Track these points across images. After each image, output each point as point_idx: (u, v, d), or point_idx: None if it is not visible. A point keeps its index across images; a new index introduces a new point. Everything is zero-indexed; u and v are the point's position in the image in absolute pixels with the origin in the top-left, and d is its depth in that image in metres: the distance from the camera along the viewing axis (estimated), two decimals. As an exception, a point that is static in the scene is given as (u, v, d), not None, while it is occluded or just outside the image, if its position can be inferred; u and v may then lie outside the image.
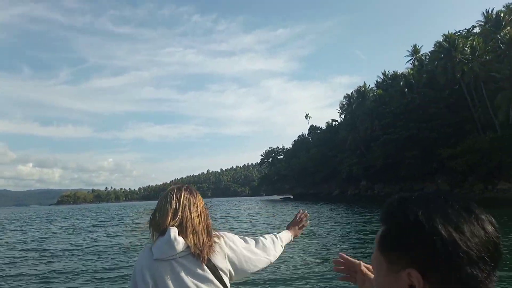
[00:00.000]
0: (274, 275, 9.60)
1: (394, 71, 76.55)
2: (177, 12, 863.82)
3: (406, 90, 60.79)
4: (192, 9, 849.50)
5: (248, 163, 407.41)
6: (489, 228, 0.78)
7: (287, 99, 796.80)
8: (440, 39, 60.49)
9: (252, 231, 16.85)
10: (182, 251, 1.75)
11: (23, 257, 14.30)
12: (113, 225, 29.19)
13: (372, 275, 1.33)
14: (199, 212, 1.86)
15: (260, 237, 2.11)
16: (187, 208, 1.84)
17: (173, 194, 1.87)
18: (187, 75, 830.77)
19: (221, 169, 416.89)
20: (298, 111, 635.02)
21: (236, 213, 39.05)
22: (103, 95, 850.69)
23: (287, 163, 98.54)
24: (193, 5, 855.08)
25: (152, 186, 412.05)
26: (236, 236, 2.00)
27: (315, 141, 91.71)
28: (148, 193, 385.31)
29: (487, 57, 51.04)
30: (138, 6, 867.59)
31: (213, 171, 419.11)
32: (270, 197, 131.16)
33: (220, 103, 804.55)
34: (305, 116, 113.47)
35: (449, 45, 54.11)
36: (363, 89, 76.36)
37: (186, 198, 1.87)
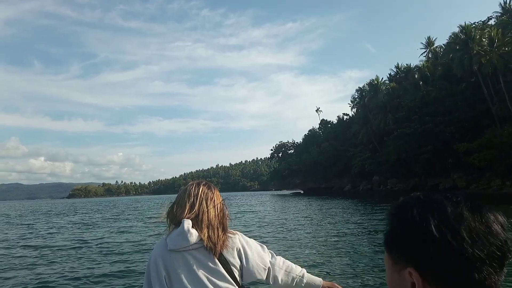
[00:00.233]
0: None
1: (407, 64, 75.08)
2: (186, 6, 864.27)
3: (421, 83, 59.28)
4: (201, 3, 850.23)
5: (257, 158, 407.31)
6: (496, 228, 0.78)
7: (296, 93, 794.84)
8: (454, 31, 59.20)
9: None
10: (195, 243, 1.79)
11: (28, 254, 13.83)
12: (125, 219, 28.79)
13: None
14: (216, 207, 1.90)
15: (281, 257, 2.07)
16: (204, 202, 1.88)
17: (192, 188, 1.93)
18: (196, 69, 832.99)
19: (230, 164, 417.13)
20: (307, 105, 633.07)
21: (250, 213, 38.38)
22: (114, 90, 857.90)
23: (298, 157, 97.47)
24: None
25: (161, 180, 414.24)
26: (253, 240, 2.01)
27: (326, 135, 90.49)
28: (157, 187, 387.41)
29: (506, 49, 49.43)
30: (147, 1, 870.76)
31: (222, 165, 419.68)
32: (280, 192, 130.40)
33: (229, 97, 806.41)
34: (316, 110, 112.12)
35: (465, 36, 52.53)
36: (376, 82, 74.85)
37: (203, 193, 1.91)
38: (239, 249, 1.91)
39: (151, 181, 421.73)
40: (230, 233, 1.94)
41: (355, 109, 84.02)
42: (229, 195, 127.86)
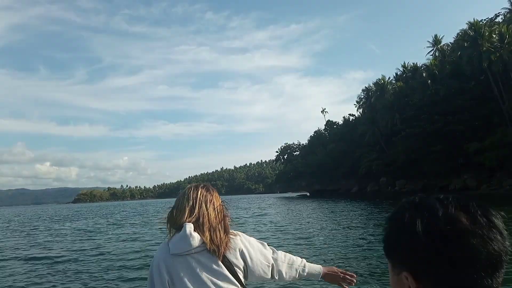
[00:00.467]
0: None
1: (413, 63, 73.95)
2: (190, 9, 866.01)
3: (429, 81, 58.11)
4: (205, 7, 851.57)
5: (261, 160, 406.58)
6: (489, 231, 0.77)
7: (300, 95, 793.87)
8: (461, 29, 58.06)
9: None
10: (198, 247, 1.78)
11: (19, 267, 12.99)
12: (129, 224, 27.94)
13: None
14: (216, 210, 1.90)
15: (282, 251, 2.10)
16: (203, 205, 1.88)
17: (190, 191, 1.92)
18: (200, 73, 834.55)
19: (234, 167, 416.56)
20: (312, 107, 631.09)
21: (261, 217, 37.42)
22: (119, 94, 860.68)
23: (304, 159, 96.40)
24: (206, 2, 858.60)
25: (166, 184, 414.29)
26: (253, 238, 2.01)
27: (332, 137, 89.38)
28: (162, 191, 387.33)
29: (516, 45, 48.29)
30: (151, 5, 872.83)
31: (227, 168, 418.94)
32: (285, 194, 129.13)
33: (234, 100, 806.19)
34: (322, 111, 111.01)
35: (474, 33, 51.39)
36: (382, 82, 73.76)
37: (202, 195, 1.91)
38: (242, 250, 1.90)
39: (156, 185, 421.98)
40: (231, 234, 1.92)
41: (361, 110, 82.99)
42: (234, 198, 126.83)
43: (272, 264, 2.00)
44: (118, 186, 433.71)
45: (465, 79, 53.36)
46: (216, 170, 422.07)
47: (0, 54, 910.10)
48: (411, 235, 0.79)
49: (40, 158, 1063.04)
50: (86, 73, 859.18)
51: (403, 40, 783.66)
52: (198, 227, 1.83)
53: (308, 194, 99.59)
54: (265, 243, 2.05)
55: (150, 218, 32.48)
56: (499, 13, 62.28)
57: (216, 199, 1.96)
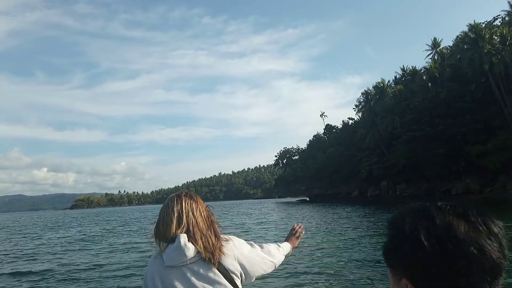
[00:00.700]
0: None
1: (412, 67, 73.52)
2: (187, 14, 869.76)
3: (430, 84, 57.53)
4: (203, 11, 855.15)
5: (259, 165, 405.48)
6: (488, 238, 0.77)
7: (298, 99, 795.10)
8: (460, 32, 57.66)
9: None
10: (193, 257, 1.76)
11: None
12: (123, 234, 26.97)
13: None
14: (203, 216, 1.88)
15: (264, 244, 2.13)
16: (190, 214, 1.84)
17: (174, 202, 1.87)
18: (198, 77, 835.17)
19: (232, 171, 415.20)
20: (309, 111, 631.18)
21: (266, 225, 36.47)
22: (116, 99, 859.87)
23: (303, 163, 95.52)
24: (204, 7, 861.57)
25: (164, 189, 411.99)
26: (243, 240, 2.01)
27: (332, 140, 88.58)
28: (160, 196, 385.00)
29: (518, 47, 47.80)
30: (149, 10, 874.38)
31: (225, 173, 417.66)
32: (284, 200, 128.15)
33: (231, 104, 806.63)
34: (321, 115, 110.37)
35: (475, 35, 50.92)
36: (382, 85, 73.19)
37: (188, 204, 1.87)
38: (237, 254, 1.88)
39: (154, 190, 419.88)
40: (223, 239, 1.90)
41: (360, 114, 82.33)
42: (233, 203, 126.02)
43: (267, 259, 2.02)
44: (115, 192, 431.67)
45: (466, 81, 52.82)
46: (214, 175, 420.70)
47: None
48: (410, 243, 0.80)
49: (37, 164, 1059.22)
50: (83, 78, 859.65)
51: (400, 44, 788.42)
52: (190, 237, 1.79)
53: (307, 199, 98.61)
54: (252, 242, 2.03)
55: (147, 225, 31.39)
56: (498, 15, 62.00)
57: (202, 206, 1.92)
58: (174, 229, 1.80)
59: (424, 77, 61.58)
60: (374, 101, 73.82)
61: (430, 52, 72.81)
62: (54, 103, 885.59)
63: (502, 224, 0.81)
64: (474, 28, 51.72)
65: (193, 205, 1.89)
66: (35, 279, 11.24)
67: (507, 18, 56.14)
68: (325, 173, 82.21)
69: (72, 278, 11.07)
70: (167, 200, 1.93)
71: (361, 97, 79.80)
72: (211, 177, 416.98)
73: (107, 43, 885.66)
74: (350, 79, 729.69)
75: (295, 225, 2.45)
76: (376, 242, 13.89)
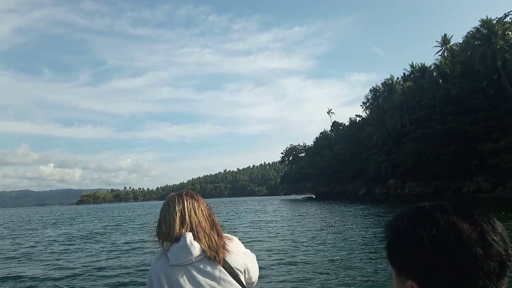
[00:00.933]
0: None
1: (421, 64, 72.32)
2: (194, 12, 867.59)
3: (441, 81, 56.40)
4: (209, 9, 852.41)
5: (265, 162, 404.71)
6: (493, 238, 0.77)
7: (303, 97, 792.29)
8: (469, 29, 56.44)
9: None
10: (198, 255, 1.78)
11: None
12: (126, 230, 26.41)
13: None
14: (205, 215, 1.89)
15: None
16: (193, 213, 1.85)
17: (175, 201, 1.88)
18: (204, 75, 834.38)
19: (238, 169, 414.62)
20: (315, 109, 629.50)
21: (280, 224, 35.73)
22: (123, 96, 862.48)
23: (310, 161, 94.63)
24: (210, 5, 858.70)
25: (170, 185, 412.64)
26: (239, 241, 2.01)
27: (339, 138, 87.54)
28: (166, 193, 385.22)
29: (531, 43, 46.67)
30: (155, 8, 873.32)
31: (230, 170, 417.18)
32: (289, 197, 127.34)
33: (237, 102, 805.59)
34: (328, 112, 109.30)
35: (488, 31, 49.75)
36: (391, 82, 72.06)
37: (190, 203, 1.87)
38: (240, 252, 1.90)
39: (159, 187, 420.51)
40: (227, 238, 1.91)
41: (368, 111, 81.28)
42: (238, 200, 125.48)
43: (256, 264, 2.02)
44: (121, 188, 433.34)
45: (477, 78, 51.68)
46: (220, 172, 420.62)
47: (4, 56, 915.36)
48: (415, 245, 0.80)
49: (44, 160, 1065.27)
50: (90, 75, 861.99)
51: (406, 42, 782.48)
52: (194, 236, 1.79)
53: (313, 196, 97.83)
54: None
55: (151, 223, 30.77)
56: (509, 12, 60.62)
57: (203, 205, 1.92)
58: (178, 229, 1.80)
59: (434, 74, 60.38)
60: (382, 98, 72.73)
61: (440, 49, 71.69)
62: (61, 100, 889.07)
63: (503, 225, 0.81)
64: (486, 23, 50.55)
65: (195, 204, 1.88)
66: (27, 281, 10.50)
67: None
68: (331, 171, 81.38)
69: (69, 276, 10.46)
70: (167, 199, 1.92)
71: (369, 94, 78.88)
72: (216, 174, 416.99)
73: (114, 40, 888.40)
74: (356, 77, 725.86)
75: None
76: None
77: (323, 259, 11.04)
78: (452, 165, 49.70)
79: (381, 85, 75.26)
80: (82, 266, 11.74)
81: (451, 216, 0.80)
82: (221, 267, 1.79)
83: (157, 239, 1.87)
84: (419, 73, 69.91)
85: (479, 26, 52.06)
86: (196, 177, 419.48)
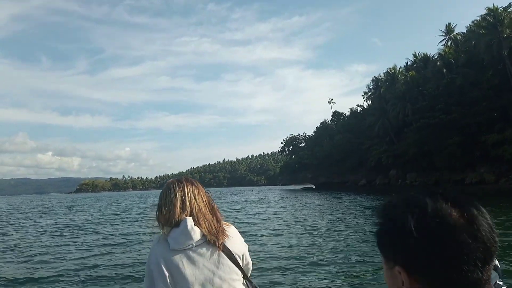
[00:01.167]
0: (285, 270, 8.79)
1: (424, 53, 71.22)
2: (192, 1, 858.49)
3: (445, 70, 55.42)
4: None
5: (263, 152, 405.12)
6: (480, 224, 0.78)
7: (302, 88, 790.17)
8: (474, 18, 55.25)
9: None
10: (198, 240, 1.80)
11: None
12: (125, 220, 25.70)
13: None
14: (204, 201, 1.91)
15: None
16: (193, 199, 1.87)
17: (176, 187, 1.89)
18: (202, 65, 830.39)
19: (236, 158, 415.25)
20: (314, 99, 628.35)
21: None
22: (121, 85, 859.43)
23: (310, 151, 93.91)
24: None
25: (168, 174, 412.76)
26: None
27: (340, 128, 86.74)
28: (164, 182, 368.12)
29: (539, 32, 45.66)
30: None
31: (228, 160, 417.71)
32: (288, 187, 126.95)
33: (235, 92, 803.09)
34: (329, 102, 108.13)
35: (494, 19, 48.63)
36: (393, 71, 71.01)
37: (190, 189, 1.89)
38: (238, 238, 1.96)
39: (158, 176, 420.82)
40: (225, 224, 1.95)
41: (369, 101, 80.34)
42: (237, 190, 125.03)
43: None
44: (120, 177, 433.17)
45: (481, 68, 50.74)
46: (218, 162, 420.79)
47: (2, 44, 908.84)
48: (402, 232, 0.80)
49: (42, 148, 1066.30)
50: (88, 64, 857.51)
51: (406, 33, 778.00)
52: (194, 221, 1.82)
53: (313, 186, 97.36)
54: None
55: (149, 212, 29.81)
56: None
57: (202, 192, 1.94)
58: (178, 214, 1.81)
59: (438, 63, 59.37)
60: (384, 88, 71.75)
61: (443, 38, 70.52)
62: (59, 89, 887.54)
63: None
64: (492, 12, 49.39)
65: (195, 191, 1.90)
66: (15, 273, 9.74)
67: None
68: (332, 161, 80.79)
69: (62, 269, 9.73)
70: (166, 185, 1.92)
71: (371, 84, 77.82)
72: (215, 163, 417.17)
73: (112, 29, 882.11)
74: (355, 67, 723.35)
75: None
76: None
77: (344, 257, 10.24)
78: (454, 156, 49.05)
79: (383, 75, 74.20)
80: (71, 263, 10.72)
81: (439, 203, 0.80)
82: (220, 251, 1.82)
83: (156, 224, 1.87)
84: (421, 63, 68.89)
85: (485, 15, 50.91)
86: (194, 167, 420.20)
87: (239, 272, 1.88)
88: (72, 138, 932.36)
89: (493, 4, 50.06)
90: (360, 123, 75.68)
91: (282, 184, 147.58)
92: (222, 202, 40.52)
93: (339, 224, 17.06)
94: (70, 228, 19.92)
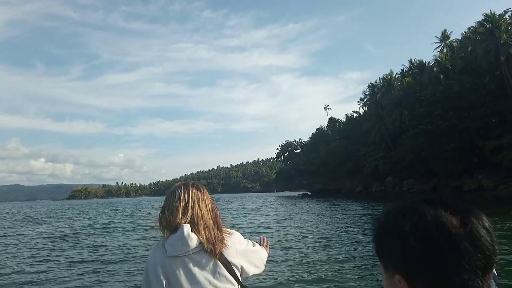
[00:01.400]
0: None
1: (419, 60, 71.13)
2: (188, 7, 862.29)
3: (442, 76, 55.14)
4: (203, 4, 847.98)
5: (258, 159, 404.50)
6: (479, 233, 0.77)
7: (297, 94, 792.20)
8: (469, 25, 55.13)
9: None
10: (195, 247, 1.77)
11: None
12: (115, 230, 24.59)
13: None
14: (208, 207, 1.88)
15: (255, 242, 2.11)
16: (196, 204, 1.85)
17: (181, 191, 1.88)
18: (197, 71, 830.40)
19: (231, 165, 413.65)
20: (309, 106, 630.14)
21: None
22: (115, 91, 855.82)
23: (306, 157, 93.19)
24: (204, 0, 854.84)
25: (162, 181, 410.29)
26: (241, 235, 2.00)
27: (335, 134, 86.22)
28: (158, 189, 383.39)
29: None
30: (149, 2, 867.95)
31: (223, 166, 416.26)
32: (283, 193, 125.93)
33: (231, 99, 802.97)
34: (325, 108, 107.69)
35: (491, 25, 48.48)
36: (389, 77, 70.76)
37: (194, 194, 1.87)
38: (237, 248, 1.89)
39: (152, 183, 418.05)
40: (226, 232, 1.89)
41: (365, 107, 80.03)
42: (231, 197, 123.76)
43: (260, 257, 2.01)
44: (113, 183, 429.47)
45: (478, 74, 50.53)
46: (213, 168, 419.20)
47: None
48: (402, 240, 0.79)
49: (35, 154, 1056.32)
50: (82, 70, 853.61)
51: (400, 40, 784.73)
52: (193, 227, 1.78)
53: (309, 193, 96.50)
54: (249, 240, 2.02)
55: (142, 221, 28.43)
56: (508, 9, 59.31)
57: (207, 198, 1.91)
58: (180, 218, 1.79)
59: (435, 69, 59.13)
60: (380, 94, 71.43)
61: (439, 45, 70.46)
62: (53, 94, 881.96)
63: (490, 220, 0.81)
64: (490, 18, 49.26)
65: (199, 196, 1.87)
66: None
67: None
68: (328, 167, 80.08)
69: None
70: (173, 188, 1.91)
71: (367, 90, 77.51)
72: (209, 170, 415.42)
73: (107, 35, 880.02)
74: (349, 74, 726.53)
75: (262, 237, 2.36)
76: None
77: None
78: (452, 162, 48.54)
79: (379, 81, 73.94)
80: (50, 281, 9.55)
81: (439, 211, 0.79)
82: (217, 260, 1.78)
83: (158, 226, 1.84)
84: (417, 69, 68.72)
85: (482, 21, 50.77)
86: (189, 173, 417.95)
87: (235, 283, 1.82)
88: (66, 144, 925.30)
89: (490, 10, 50.03)
90: (356, 129, 75.22)
91: (277, 191, 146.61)
92: (219, 210, 39.32)
93: (349, 232, 16.19)
94: (53, 239, 18.55)
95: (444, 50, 67.70)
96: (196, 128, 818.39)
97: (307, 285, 7.99)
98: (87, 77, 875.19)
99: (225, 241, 1.84)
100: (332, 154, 78.88)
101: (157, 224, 1.85)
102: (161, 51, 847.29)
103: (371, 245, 0.82)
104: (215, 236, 1.80)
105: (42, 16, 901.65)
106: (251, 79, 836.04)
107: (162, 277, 1.72)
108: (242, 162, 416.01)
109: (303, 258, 10.62)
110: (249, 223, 23.39)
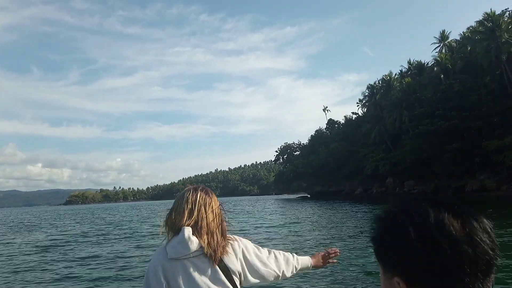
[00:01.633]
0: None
1: (417, 61, 70.77)
2: (185, 11, 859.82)
3: (442, 76, 54.63)
4: (200, 8, 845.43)
5: (256, 162, 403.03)
6: (480, 237, 0.76)
7: (295, 97, 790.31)
8: (469, 25, 54.74)
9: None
10: (196, 251, 1.78)
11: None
12: (112, 239, 23.72)
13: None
14: (214, 213, 1.90)
15: (275, 250, 2.10)
16: (202, 208, 1.86)
17: (189, 194, 1.90)
18: (195, 75, 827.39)
19: (229, 168, 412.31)
20: (306, 109, 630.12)
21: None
22: (113, 95, 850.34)
23: (305, 159, 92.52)
24: (201, 4, 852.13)
25: (160, 185, 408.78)
26: (250, 243, 2.01)
27: (335, 136, 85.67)
28: (156, 193, 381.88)
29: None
30: (146, 6, 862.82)
31: (221, 170, 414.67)
32: (282, 196, 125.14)
33: (228, 102, 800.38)
34: (323, 110, 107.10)
35: (492, 24, 48.02)
36: (389, 78, 70.27)
37: (202, 198, 1.89)
38: (240, 255, 1.89)
39: (150, 187, 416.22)
40: (229, 238, 1.91)
41: (364, 109, 79.56)
42: (229, 200, 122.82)
43: (270, 267, 1.98)
44: (110, 188, 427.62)
45: (478, 73, 50.05)
46: (211, 172, 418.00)
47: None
48: (402, 242, 0.79)
49: (32, 160, 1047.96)
50: (79, 74, 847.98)
51: (396, 42, 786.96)
52: (196, 231, 1.79)
53: (308, 195, 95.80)
54: (260, 247, 2.03)
55: (140, 228, 27.32)
56: (506, 9, 58.91)
57: (215, 202, 1.92)
58: (184, 220, 1.80)
59: (435, 69, 58.65)
60: (380, 95, 70.93)
61: (438, 45, 70.06)
62: (50, 100, 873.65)
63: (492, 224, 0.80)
64: (490, 16, 48.80)
65: (207, 200, 1.88)
66: None
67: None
68: (327, 169, 79.41)
69: None
70: (183, 190, 1.95)
71: (366, 91, 76.99)
72: (207, 173, 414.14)
73: (104, 39, 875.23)
74: (346, 77, 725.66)
75: (331, 249, 2.36)
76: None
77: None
78: (454, 162, 47.93)
79: (378, 82, 73.49)
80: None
81: (441, 213, 0.78)
82: (216, 266, 1.79)
83: (163, 226, 1.86)
84: (416, 70, 68.32)
85: (482, 20, 50.30)
86: (187, 177, 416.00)
87: None
88: (63, 149, 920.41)
89: (491, 9, 49.57)
90: (356, 131, 74.67)
91: (276, 194, 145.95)
92: (228, 214, 38.55)
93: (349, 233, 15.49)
94: (44, 248, 17.60)
95: (443, 50, 67.41)
96: (193, 132, 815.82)
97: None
98: (84, 81, 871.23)
99: (227, 248, 1.83)
100: (331, 156, 78.25)
101: (164, 225, 1.86)
102: (158, 55, 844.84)
103: (371, 245, 0.87)
104: (217, 242, 1.80)
105: (39, 21, 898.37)
106: (248, 82, 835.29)
107: (162, 279, 1.73)
108: (240, 165, 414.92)
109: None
110: (256, 227, 22.48)
